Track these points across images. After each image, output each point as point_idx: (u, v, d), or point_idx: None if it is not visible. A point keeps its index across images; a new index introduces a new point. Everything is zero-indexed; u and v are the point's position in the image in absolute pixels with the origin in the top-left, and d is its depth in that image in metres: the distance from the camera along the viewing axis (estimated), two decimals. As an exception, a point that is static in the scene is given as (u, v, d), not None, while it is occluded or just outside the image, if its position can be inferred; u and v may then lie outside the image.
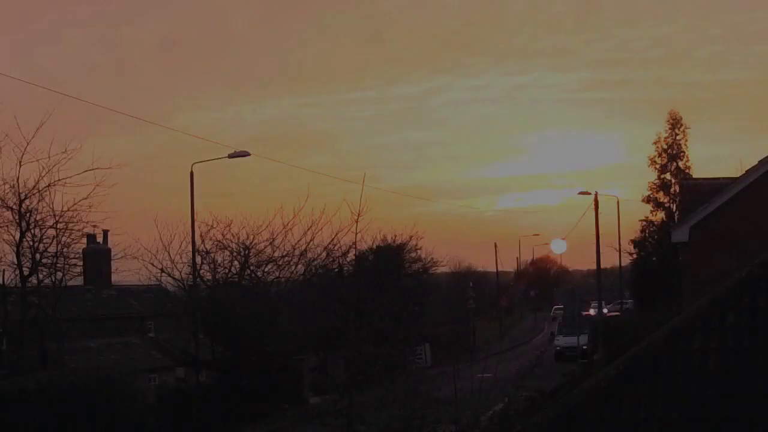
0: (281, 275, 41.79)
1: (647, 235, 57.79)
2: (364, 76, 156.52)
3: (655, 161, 57.97)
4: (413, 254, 56.03)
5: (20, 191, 30.42)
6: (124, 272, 38.92)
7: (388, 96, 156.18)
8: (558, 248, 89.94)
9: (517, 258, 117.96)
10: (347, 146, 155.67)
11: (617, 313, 61.93)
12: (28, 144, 30.16)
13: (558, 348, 50.88)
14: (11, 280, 31.39)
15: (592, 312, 58.24)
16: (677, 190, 52.55)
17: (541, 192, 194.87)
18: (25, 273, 30.92)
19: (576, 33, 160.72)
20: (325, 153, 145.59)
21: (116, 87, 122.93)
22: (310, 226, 40.87)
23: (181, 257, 38.27)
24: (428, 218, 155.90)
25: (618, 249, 62.24)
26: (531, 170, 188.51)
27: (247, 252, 40.18)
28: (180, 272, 38.77)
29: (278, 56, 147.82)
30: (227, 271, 40.67)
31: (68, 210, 31.45)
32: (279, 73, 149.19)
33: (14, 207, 30.52)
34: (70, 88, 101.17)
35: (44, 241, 31.27)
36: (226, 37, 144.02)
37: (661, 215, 57.33)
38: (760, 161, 21.38)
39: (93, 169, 31.19)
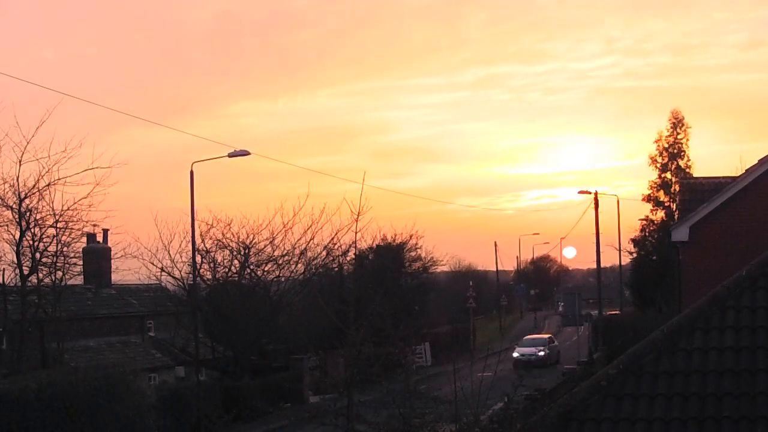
0: (281, 274, 41.82)
1: (647, 234, 57.81)
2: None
3: (655, 160, 57.98)
4: (413, 253, 56.06)
5: (20, 190, 30.44)
6: (124, 271, 38.96)
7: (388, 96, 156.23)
8: (569, 254, 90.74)
9: (517, 257, 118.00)
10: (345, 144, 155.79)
11: (617, 312, 62.06)
12: (28, 143, 30.20)
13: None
14: (11, 279, 31.43)
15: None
16: (677, 189, 52.54)
17: (540, 192, 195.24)
18: (25, 272, 30.92)
19: (575, 34, 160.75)
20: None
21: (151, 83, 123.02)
22: (311, 225, 40.93)
23: (181, 256, 38.32)
24: (429, 218, 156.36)
25: (618, 248, 62.33)
26: (531, 170, 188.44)
27: (247, 251, 40.20)
28: (180, 271, 38.83)
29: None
30: (227, 270, 40.71)
31: (68, 209, 31.49)
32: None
33: (14, 206, 30.52)
34: (70, 88, 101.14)
35: (44, 240, 31.29)
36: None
37: (661, 214, 57.34)
38: (760, 160, 21.36)
39: (93, 168, 31.22)
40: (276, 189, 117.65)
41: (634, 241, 59.14)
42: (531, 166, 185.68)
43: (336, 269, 46.97)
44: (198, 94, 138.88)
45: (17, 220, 30.54)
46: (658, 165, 57.83)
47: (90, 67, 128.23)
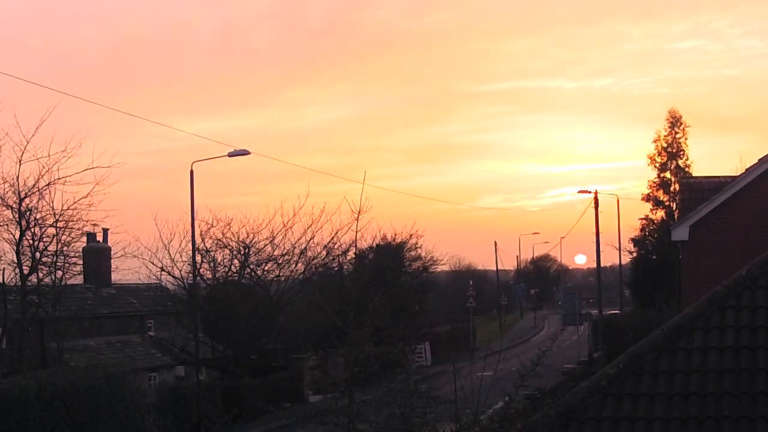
0: (281, 274, 41.82)
1: (647, 233, 57.81)
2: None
3: (654, 159, 58.01)
4: (413, 253, 56.02)
5: (20, 190, 30.43)
6: (124, 271, 39.06)
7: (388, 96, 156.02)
8: (580, 260, 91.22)
9: (517, 256, 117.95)
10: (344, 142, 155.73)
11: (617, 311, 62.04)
12: (28, 143, 30.19)
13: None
14: (11, 278, 31.42)
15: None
16: (677, 189, 52.54)
17: (541, 191, 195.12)
18: (25, 272, 30.91)
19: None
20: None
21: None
22: (311, 225, 40.93)
23: (181, 256, 38.36)
24: (429, 217, 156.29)
25: (618, 248, 62.33)
26: (531, 170, 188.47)
27: (247, 250, 40.20)
28: (180, 271, 38.86)
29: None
30: (227, 269, 40.72)
31: (68, 209, 31.47)
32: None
33: (14, 206, 30.51)
34: (70, 87, 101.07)
35: (44, 239, 31.28)
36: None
37: (661, 214, 57.35)
38: (760, 160, 21.36)
39: (93, 168, 31.21)
40: (278, 189, 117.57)
41: (634, 240, 59.17)
42: (531, 165, 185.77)
43: (336, 269, 46.97)
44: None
45: (17, 219, 30.53)
46: (657, 164, 57.86)
47: (90, 67, 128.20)
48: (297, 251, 41.22)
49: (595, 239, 54.56)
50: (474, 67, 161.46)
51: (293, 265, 41.72)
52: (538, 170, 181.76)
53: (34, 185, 30.54)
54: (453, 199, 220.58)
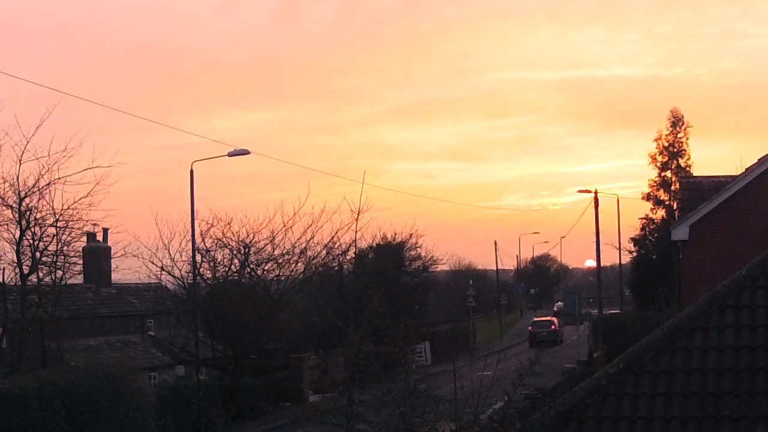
0: (281, 273, 41.80)
1: (647, 233, 57.81)
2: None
3: (655, 159, 58.01)
4: (413, 252, 56.05)
5: (20, 189, 30.43)
6: (125, 270, 39.03)
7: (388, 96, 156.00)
8: (590, 263, 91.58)
9: (517, 256, 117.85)
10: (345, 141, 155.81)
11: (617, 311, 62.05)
12: (28, 142, 30.19)
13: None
14: (11, 278, 31.42)
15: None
16: (678, 188, 52.55)
17: (540, 191, 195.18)
18: (25, 271, 30.92)
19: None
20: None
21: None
22: (311, 224, 40.93)
23: (181, 255, 38.38)
24: (429, 216, 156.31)
25: (618, 247, 62.31)
26: (531, 169, 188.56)
27: (247, 250, 40.19)
28: (180, 270, 38.88)
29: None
30: (227, 269, 40.71)
31: (68, 208, 31.48)
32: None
33: (14, 205, 30.51)
34: (70, 86, 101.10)
35: (44, 239, 31.28)
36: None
37: (661, 213, 57.35)
38: (760, 159, 21.36)
39: (93, 167, 31.21)
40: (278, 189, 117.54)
41: (634, 240, 59.16)
42: (532, 165, 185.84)
43: (336, 268, 46.98)
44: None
45: (17, 219, 30.54)
46: (658, 164, 57.86)
47: (90, 67, 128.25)
48: (297, 251, 41.24)
49: (595, 239, 54.65)
50: (475, 67, 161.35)
51: (293, 265, 41.75)
52: (538, 170, 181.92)
53: (34, 185, 30.58)
54: (454, 199, 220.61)
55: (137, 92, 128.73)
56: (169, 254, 38.25)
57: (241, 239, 40.11)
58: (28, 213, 30.59)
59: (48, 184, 30.73)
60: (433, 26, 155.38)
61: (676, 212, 44.26)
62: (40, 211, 30.96)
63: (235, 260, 40.47)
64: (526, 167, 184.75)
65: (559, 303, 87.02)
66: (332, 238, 42.16)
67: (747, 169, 22.00)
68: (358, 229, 38.14)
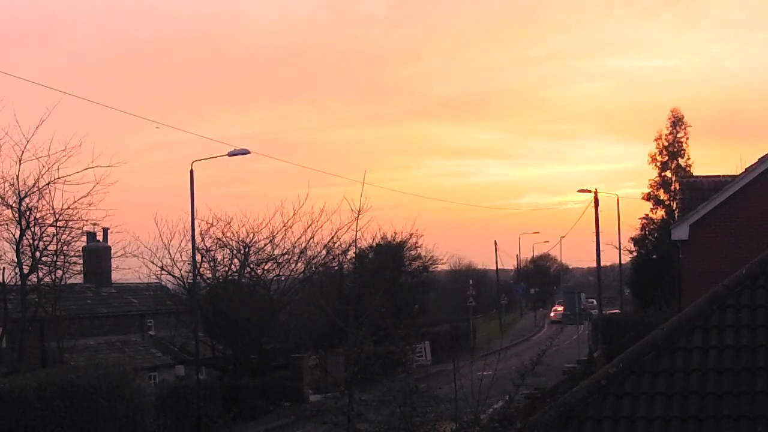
0: (281, 273, 41.80)
1: (647, 233, 57.79)
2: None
3: (655, 158, 57.99)
4: (413, 252, 56.05)
5: (20, 189, 30.44)
6: (124, 270, 39.06)
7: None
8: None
9: (517, 256, 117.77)
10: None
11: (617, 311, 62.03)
12: (28, 142, 30.19)
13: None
14: (11, 278, 31.42)
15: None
16: (678, 188, 52.52)
17: (541, 190, 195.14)
18: (25, 271, 30.92)
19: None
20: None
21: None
22: (311, 224, 40.92)
23: (181, 255, 38.38)
24: (430, 216, 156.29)
25: (618, 247, 62.26)
26: (532, 169, 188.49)
27: (247, 250, 40.19)
28: (180, 270, 38.88)
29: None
30: (227, 269, 40.70)
31: (68, 208, 31.50)
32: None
33: (14, 205, 30.51)
34: (70, 86, 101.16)
35: (44, 239, 31.29)
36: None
37: (661, 213, 57.33)
38: (760, 159, 21.35)
39: (93, 167, 31.21)
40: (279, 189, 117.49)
41: (634, 239, 59.14)
42: (532, 164, 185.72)
43: (336, 268, 46.95)
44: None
45: (17, 219, 30.54)
46: (658, 163, 57.85)
47: (90, 67, 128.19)
48: (297, 250, 41.24)
49: (595, 239, 54.61)
50: (474, 66, 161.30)
51: (293, 265, 41.75)
52: (538, 170, 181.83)
53: (34, 184, 30.59)
54: (454, 199, 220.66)
55: (139, 92, 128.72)
56: (169, 254, 38.30)
57: (241, 239, 40.15)
58: (28, 213, 30.60)
59: (48, 183, 30.77)
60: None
61: (676, 212, 44.26)
62: (40, 211, 31.00)
63: (235, 260, 40.48)
64: (526, 167, 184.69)
65: (559, 301, 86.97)
66: (332, 237, 42.20)
67: (747, 169, 21.99)
68: (358, 228, 38.05)
